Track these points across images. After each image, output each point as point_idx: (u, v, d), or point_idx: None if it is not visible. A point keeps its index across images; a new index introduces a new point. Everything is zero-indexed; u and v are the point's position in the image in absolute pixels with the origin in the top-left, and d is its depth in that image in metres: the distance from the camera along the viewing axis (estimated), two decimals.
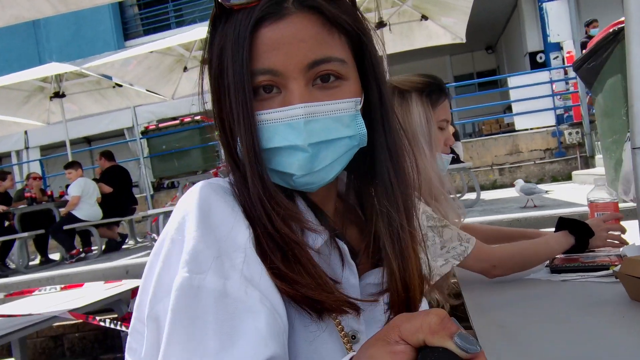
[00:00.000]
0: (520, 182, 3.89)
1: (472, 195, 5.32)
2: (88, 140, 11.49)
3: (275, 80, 0.53)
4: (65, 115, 6.44)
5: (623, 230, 1.27)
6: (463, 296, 1.17)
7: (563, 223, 1.27)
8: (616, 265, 1.15)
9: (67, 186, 5.74)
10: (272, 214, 0.53)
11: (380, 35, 5.65)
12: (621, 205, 1.36)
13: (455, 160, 5.71)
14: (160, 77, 6.23)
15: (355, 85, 0.57)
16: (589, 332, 0.84)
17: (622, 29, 2.74)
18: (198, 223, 0.50)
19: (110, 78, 6.50)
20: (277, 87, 0.54)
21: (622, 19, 2.98)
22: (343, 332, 0.55)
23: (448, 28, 5.92)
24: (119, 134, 9.98)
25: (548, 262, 1.26)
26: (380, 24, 5.57)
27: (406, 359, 0.35)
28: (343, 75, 0.55)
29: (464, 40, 5.95)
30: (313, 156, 0.54)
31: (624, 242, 1.26)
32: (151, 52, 5.66)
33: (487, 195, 5.89)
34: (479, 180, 5.80)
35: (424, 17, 5.78)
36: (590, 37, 5.49)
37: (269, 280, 0.50)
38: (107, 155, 6.19)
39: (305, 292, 0.51)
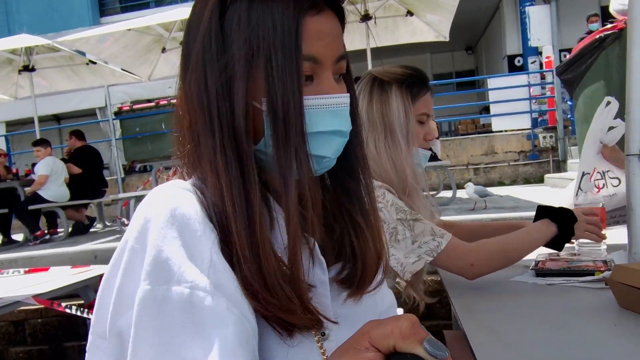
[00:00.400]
0: (471, 185, 4.09)
1: (447, 194, 5.38)
2: (57, 118, 11.10)
3: (313, 68, 0.56)
4: (34, 90, 6.17)
5: (600, 228, 1.24)
6: (450, 299, 1.14)
7: (543, 211, 1.20)
8: (602, 271, 1.16)
9: (34, 165, 5.52)
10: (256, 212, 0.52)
11: (364, 28, 5.62)
12: None
13: (433, 157, 5.78)
14: (137, 57, 6.03)
15: (344, 85, 0.62)
16: (581, 338, 0.83)
17: (608, 36, 2.78)
18: (161, 230, 0.48)
19: (84, 54, 6.26)
20: (311, 75, 0.56)
21: (608, 26, 3.04)
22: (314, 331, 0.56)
23: (432, 25, 5.93)
24: (90, 113, 9.67)
25: (533, 264, 1.25)
26: (366, 17, 5.53)
27: None
28: (344, 74, 0.61)
29: (447, 39, 5.98)
30: (345, 141, 0.59)
31: (602, 237, 1.24)
32: (129, 29, 5.47)
33: (462, 194, 5.97)
34: (454, 178, 5.86)
35: (410, 13, 5.77)
36: (590, 32, 5.42)
37: (236, 285, 0.49)
38: (78, 134, 5.98)
39: (276, 313, 0.51)
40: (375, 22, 5.68)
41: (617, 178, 1.42)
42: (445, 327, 2.29)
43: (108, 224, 6.23)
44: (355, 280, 0.63)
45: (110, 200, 6.24)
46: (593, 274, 1.14)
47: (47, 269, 2.73)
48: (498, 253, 1.14)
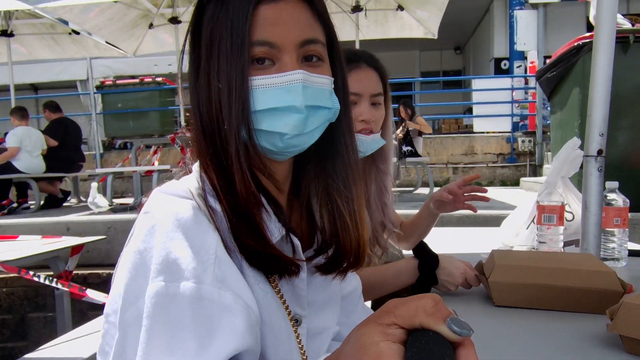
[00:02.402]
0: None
1: (424, 190, 5.46)
2: (34, 87, 10.82)
3: (271, 53, 0.59)
4: (11, 56, 6.00)
5: (474, 206, 1.28)
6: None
7: (419, 250, 1.14)
8: None
9: (7, 134, 5.38)
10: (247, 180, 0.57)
11: (355, 19, 5.62)
12: None
13: (414, 154, 5.85)
14: (123, 31, 5.91)
15: (329, 68, 0.65)
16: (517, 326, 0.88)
17: (586, 43, 2.86)
18: (167, 233, 0.52)
19: (66, 23, 6.10)
20: (271, 59, 0.60)
21: (587, 34, 3.12)
22: (290, 316, 0.62)
23: (422, 22, 5.96)
24: (70, 85, 9.45)
25: None
26: (357, 8, 5.53)
27: (397, 339, 0.37)
28: (323, 57, 0.63)
29: (436, 36, 6.02)
30: (306, 118, 0.60)
31: (456, 287, 1.10)
32: (115, 1, 5.34)
33: None
34: (432, 176, 5.94)
35: (400, 8, 5.79)
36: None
37: (241, 279, 0.54)
38: (51, 106, 5.79)
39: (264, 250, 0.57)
40: (365, 14, 5.69)
41: (571, 212, 1.47)
42: None
43: (83, 199, 6.13)
44: (329, 265, 0.66)
45: (87, 176, 6.13)
46: None
47: (15, 237, 2.69)
48: (365, 284, 1.02)
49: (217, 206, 0.57)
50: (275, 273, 0.59)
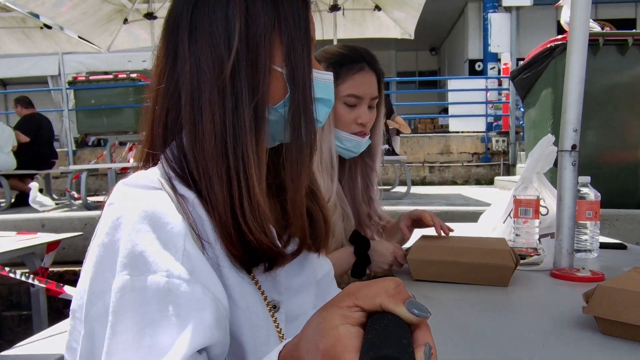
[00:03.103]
0: None
1: (402, 189, 5.54)
2: (3, 83, 10.48)
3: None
4: None
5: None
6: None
7: (353, 237, 1.21)
8: (531, 256, 1.28)
9: None
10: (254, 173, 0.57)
11: (332, 18, 5.65)
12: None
13: (391, 153, 5.92)
14: (97, 26, 5.77)
15: None
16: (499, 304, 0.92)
17: (558, 45, 2.96)
18: (134, 225, 0.50)
19: (38, 17, 5.93)
20: None
21: (559, 36, 3.23)
22: (267, 302, 0.61)
23: (399, 22, 6.03)
24: (41, 80, 9.19)
25: None
26: (335, 7, 5.56)
27: (356, 322, 0.38)
28: None
29: (412, 37, 6.10)
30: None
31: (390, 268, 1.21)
32: None
33: (416, 189, 6.15)
34: (410, 175, 6.02)
35: (377, 8, 5.84)
36: None
37: (210, 270, 0.53)
38: (23, 101, 5.65)
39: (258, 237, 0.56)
40: (343, 13, 5.72)
41: (546, 207, 1.53)
42: None
43: (55, 197, 5.98)
44: (309, 244, 0.68)
45: (59, 173, 5.98)
46: (525, 258, 1.25)
47: None
48: None
49: (187, 193, 0.56)
50: (262, 263, 0.59)
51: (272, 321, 0.62)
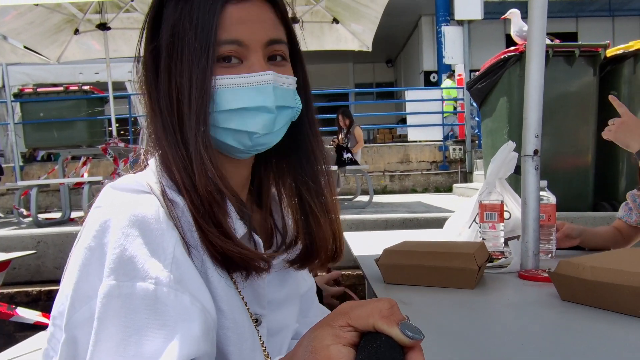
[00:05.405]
0: None
1: (364, 198, 5.59)
2: None
3: (239, 51, 0.59)
4: None
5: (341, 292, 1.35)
6: (365, 277, 1.22)
7: None
8: (499, 259, 1.31)
9: None
10: (209, 172, 0.55)
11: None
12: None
13: (353, 162, 5.98)
14: (45, 36, 5.53)
15: (291, 68, 0.66)
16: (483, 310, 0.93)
17: (511, 57, 3.10)
18: (122, 229, 0.49)
19: None
20: (238, 58, 0.60)
21: (512, 48, 3.38)
22: (250, 313, 0.61)
23: (356, 35, 6.15)
24: None
25: None
26: (294, 20, 5.60)
27: (348, 342, 0.37)
28: (286, 57, 0.65)
29: (370, 49, 6.22)
30: (276, 117, 0.61)
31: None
32: (36, 5, 5.00)
33: (378, 198, 6.23)
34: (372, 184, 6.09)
35: (335, 21, 5.94)
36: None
37: (199, 280, 0.52)
38: None
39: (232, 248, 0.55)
40: (302, 26, 5.77)
41: (509, 211, 1.58)
42: None
43: (1, 215, 5.64)
44: (302, 259, 0.67)
45: (5, 190, 5.65)
46: (492, 261, 1.28)
47: None
48: None
49: (177, 199, 0.55)
50: (241, 269, 0.58)
51: (257, 333, 0.61)
